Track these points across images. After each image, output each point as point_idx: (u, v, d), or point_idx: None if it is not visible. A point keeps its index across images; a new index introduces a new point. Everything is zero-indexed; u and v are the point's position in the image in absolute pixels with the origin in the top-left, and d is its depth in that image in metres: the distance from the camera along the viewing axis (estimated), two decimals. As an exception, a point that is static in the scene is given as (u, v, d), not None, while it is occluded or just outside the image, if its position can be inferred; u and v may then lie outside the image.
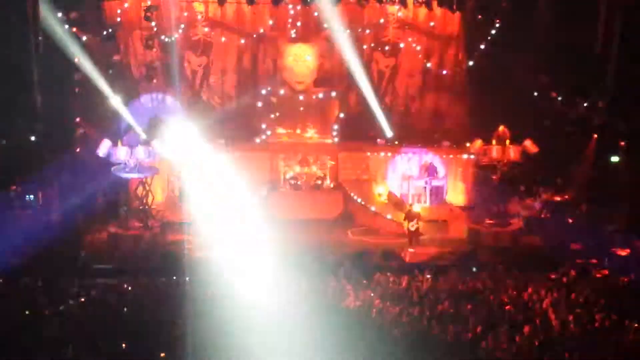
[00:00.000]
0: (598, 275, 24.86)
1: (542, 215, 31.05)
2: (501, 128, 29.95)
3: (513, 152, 29.41)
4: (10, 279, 23.61)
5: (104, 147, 28.22)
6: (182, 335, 19.09)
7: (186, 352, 18.34)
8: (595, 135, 32.58)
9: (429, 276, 24.41)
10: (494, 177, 29.88)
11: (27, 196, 30.76)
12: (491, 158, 29.74)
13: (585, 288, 23.06)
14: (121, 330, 19.74)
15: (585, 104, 33.15)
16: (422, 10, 35.31)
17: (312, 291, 22.83)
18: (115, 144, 28.66)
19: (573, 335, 19.44)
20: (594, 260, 26.17)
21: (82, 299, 22.08)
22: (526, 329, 19.55)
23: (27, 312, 20.84)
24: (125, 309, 21.21)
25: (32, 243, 25.77)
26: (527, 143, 29.33)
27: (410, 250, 28.12)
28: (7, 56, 29.31)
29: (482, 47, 34.67)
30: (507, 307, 21.33)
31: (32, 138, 30.67)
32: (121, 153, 28.55)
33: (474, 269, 25.61)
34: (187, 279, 24.16)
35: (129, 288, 23.20)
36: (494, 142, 29.75)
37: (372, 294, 22.56)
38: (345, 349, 17.74)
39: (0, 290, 22.61)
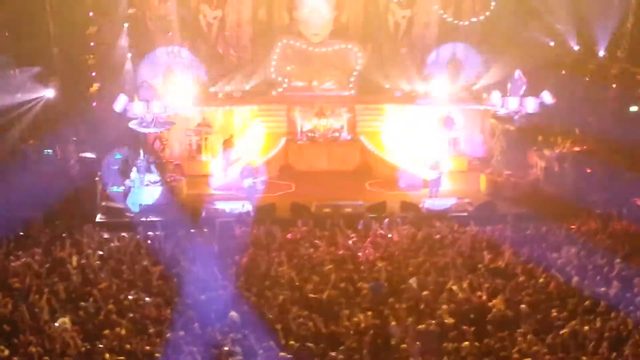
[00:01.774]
0: (617, 225, 24.75)
1: (560, 166, 30.78)
2: (517, 73, 29.76)
3: (530, 104, 29.15)
4: (30, 232, 23.80)
5: (120, 102, 28.13)
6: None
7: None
8: (614, 85, 32.25)
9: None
10: (511, 128, 29.63)
11: (45, 150, 30.85)
12: (508, 109, 29.50)
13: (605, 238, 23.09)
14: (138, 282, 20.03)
15: (603, 54, 32.78)
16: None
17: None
18: (131, 99, 28.60)
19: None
20: (613, 211, 26.01)
21: (101, 252, 22.27)
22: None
23: (47, 265, 21.07)
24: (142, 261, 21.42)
25: (51, 197, 25.92)
26: (545, 94, 29.05)
27: (429, 200, 28.00)
28: (22, 10, 29.22)
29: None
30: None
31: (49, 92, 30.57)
32: (138, 108, 28.48)
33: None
34: (204, 230, 24.31)
35: (148, 241, 23.36)
36: (509, 86, 29.53)
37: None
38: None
39: (22, 245, 22.74)
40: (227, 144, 32.19)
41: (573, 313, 18.03)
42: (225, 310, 18.07)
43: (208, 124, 33.30)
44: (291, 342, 16.57)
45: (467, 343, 16.39)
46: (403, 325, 17.38)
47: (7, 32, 29.79)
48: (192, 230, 24.38)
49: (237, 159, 30.77)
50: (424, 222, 24.95)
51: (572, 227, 24.55)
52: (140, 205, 27.81)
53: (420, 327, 17.14)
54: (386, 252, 22.25)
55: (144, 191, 28.20)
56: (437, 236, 23.61)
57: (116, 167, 28.58)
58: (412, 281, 19.82)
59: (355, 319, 17.66)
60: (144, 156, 28.69)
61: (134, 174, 28.18)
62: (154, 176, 28.61)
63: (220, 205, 27.44)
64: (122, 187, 27.60)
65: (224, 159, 31.46)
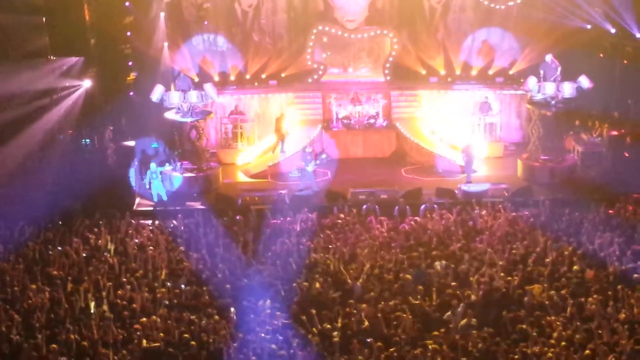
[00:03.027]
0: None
1: (598, 150, 30.49)
2: (548, 57, 29.55)
3: (567, 88, 28.89)
4: (69, 222, 24.07)
5: (157, 92, 28.30)
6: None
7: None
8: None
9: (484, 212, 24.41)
10: (548, 113, 29.40)
11: (83, 140, 31.13)
12: (545, 94, 29.27)
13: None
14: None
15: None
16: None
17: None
18: (168, 88, 28.77)
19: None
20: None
21: (138, 239, 22.49)
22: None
23: (85, 254, 21.33)
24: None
25: (89, 186, 26.18)
26: (582, 78, 28.75)
27: (465, 186, 27.90)
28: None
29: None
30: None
31: (86, 82, 30.78)
32: (174, 97, 28.67)
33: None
34: (237, 217, 24.43)
35: (183, 228, 23.55)
36: (541, 72, 29.37)
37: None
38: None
39: (60, 234, 23.02)
40: (279, 122, 32.42)
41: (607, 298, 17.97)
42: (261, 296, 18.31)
43: (243, 112, 33.39)
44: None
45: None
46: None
47: (44, 18, 29.94)
48: (227, 218, 24.53)
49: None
50: (460, 208, 24.83)
51: (610, 211, 24.33)
52: (170, 193, 28.02)
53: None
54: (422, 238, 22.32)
55: (167, 179, 28.43)
56: (472, 222, 23.53)
57: (153, 155, 28.71)
58: (438, 264, 19.95)
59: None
60: (161, 146, 28.90)
61: (157, 163, 28.37)
62: (176, 165, 28.92)
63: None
64: (154, 176, 27.74)
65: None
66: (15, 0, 28.85)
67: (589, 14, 32.99)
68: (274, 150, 31.93)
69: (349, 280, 19.37)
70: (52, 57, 30.19)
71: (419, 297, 18.43)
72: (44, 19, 29.81)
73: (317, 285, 19.00)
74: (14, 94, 28.30)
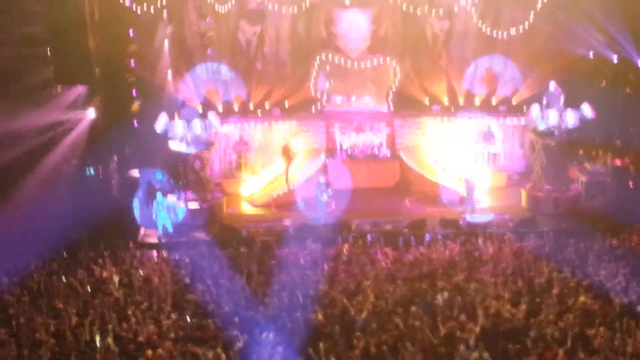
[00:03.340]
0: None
1: (602, 180, 30.50)
2: (552, 85, 29.64)
3: (570, 117, 28.97)
4: (74, 253, 24.08)
5: (161, 122, 28.43)
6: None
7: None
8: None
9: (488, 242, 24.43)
10: (551, 143, 29.46)
11: (87, 169, 31.15)
12: (548, 124, 29.34)
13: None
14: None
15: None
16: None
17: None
18: (172, 118, 28.85)
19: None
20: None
21: (142, 271, 22.49)
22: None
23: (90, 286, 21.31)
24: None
25: (93, 216, 26.19)
26: (585, 107, 28.86)
27: (468, 217, 27.91)
28: (63, 28, 29.58)
29: (539, 6, 33.93)
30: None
31: (91, 112, 30.85)
32: (178, 127, 28.75)
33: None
34: (242, 249, 24.42)
35: (188, 260, 23.55)
36: (544, 100, 29.43)
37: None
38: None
39: (65, 265, 23.02)
40: (286, 152, 32.51)
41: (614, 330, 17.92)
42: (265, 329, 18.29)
43: (247, 141, 33.47)
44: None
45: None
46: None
47: (48, 48, 30.06)
48: (231, 250, 24.52)
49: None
50: (464, 239, 24.83)
51: (615, 242, 24.31)
52: (174, 224, 28.01)
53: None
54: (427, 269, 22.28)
55: (168, 211, 28.36)
56: (476, 253, 23.52)
57: (158, 186, 28.76)
58: (440, 297, 19.90)
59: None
60: (166, 176, 28.98)
61: (161, 194, 28.38)
62: (179, 196, 28.89)
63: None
64: (160, 207, 27.77)
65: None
66: (19, 33, 28.89)
67: (591, 42, 33.11)
68: (287, 176, 31.98)
69: (353, 313, 19.33)
70: (57, 88, 30.26)
71: (423, 328, 18.38)
72: (48, 49, 29.89)
73: (321, 317, 18.98)
74: (20, 130, 28.32)
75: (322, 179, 29.27)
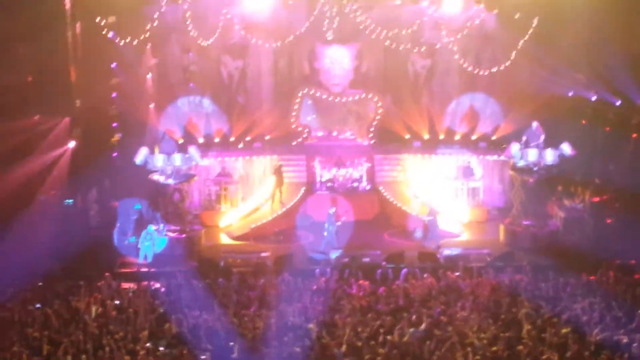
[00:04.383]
0: (637, 276, 24.53)
1: (580, 216, 30.61)
2: (534, 124, 29.84)
3: (550, 155, 29.18)
4: (50, 283, 23.93)
5: (141, 155, 28.44)
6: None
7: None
8: (635, 135, 32.12)
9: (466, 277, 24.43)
10: (530, 180, 29.64)
11: (66, 200, 31.03)
12: (527, 161, 29.54)
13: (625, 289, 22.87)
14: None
15: (623, 103, 32.67)
16: (459, 10, 34.82)
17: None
18: (152, 151, 28.86)
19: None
20: (633, 261, 25.78)
21: (118, 301, 22.34)
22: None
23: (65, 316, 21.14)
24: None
25: (70, 247, 26.05)
26: (564, 145, 29.08)
27: (447, 250, 27.93)
28: (46, 60, 29.56)
29: (519, 46, 34.24)
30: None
31: (71, 143, 30.79)
32: (158, 160, 28.77)
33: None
34: (220, 280, 24.33)
35: (164, 290, 23.43)
36: (524, 138, 29.64)
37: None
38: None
39: (40, 295, 22.85)
40: (278, 172, 32.90)
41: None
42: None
43: (228, 174, 33.48)
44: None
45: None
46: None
47: (31, 79, 30.02)
48: (209, 281, 24.42)
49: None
50: (442, 273, 24.83)
51: (592, 277, 24.35)
52: (153, 255, 27.92)
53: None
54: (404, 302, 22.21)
55: (153, 242, 28.29)
56: (453, 287, 23.49)
57: (135, 217, 28.70)
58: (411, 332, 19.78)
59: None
60: (147, 207, 28.94)
61: (143, 225, 28.34)
62: (159, 227, 28.85)
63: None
64: (148, 237, 27.75)
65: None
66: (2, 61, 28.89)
67: (570, 81, 33.44)
68: (273, 199, 32.45)
69: (333, 345, 19.22)
70: (37, 118, 30.21)
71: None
72: (29, 78, 29.87)
73: (299, 349, 18.88)
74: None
75: (331, 210, 29.36)
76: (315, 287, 23.82)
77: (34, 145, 29.59)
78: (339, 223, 29.07)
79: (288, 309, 21.55)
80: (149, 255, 27.70)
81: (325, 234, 28.97)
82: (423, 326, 19.97)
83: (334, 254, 27.75)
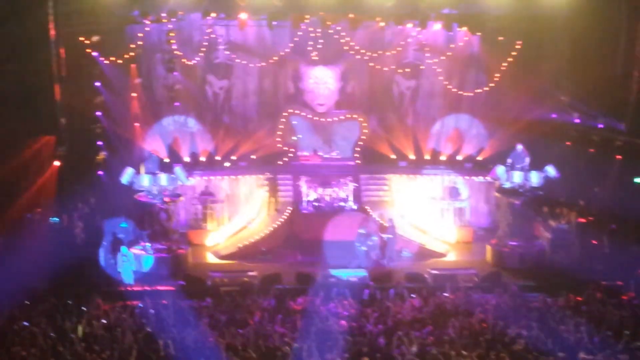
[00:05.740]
0: (624, 298, 24.62)
1: (566, 237, 30.72)
2: (519, 147, 29.99)
3: (535, 177, 29.37)
4: (37, 301, 23.74)
5: (127, 175, 28.37)
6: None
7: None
8: (619, 157, 32.31)
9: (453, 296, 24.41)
10: (516, 202, 29.79)
11: (52, 218, 30.88)
12: (513, 183, 29.69)
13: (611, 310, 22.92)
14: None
15: (607, 126, 32.87)
16: (443, 32, 35.01)
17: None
18: (137, 170, 28.77)
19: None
20: (620, 283, 25.88)
21: (105, 321, 22.19)
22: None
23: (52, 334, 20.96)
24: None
25: (56, 265, 25.87)
26: (549, 168, 29.28)
27: (433, 271, 27.93)
28: (30, 80, 29.45)
29: (503, 68, 34.47)
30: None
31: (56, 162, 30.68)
32: (144, 180, 28.70)
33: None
34: (207, 299, 24.21)
35: (151, 310, 23.28)
36: (509, 161, 29.81)
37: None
38: None
39: (26, 313, 22.66)
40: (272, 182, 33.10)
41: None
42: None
43: (213, 193, 33.42)
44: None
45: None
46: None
47: (14, 99, 29.86)
48: (195, 300, 24.30)
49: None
50: (429, 292, 24.81)
51: (578, 298, 24.42)
52: (136, 274, 27.79)
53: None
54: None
55: (136, 260, 28.23)
56: (440, 307, 23.47)
57: (122, 236, 28.58)
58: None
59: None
60: (133, 226, 28.85)
61: (126, 244, 28.25)
62: (142, 246, 28.86)
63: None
64: (124, 258, 27.64)
65: None
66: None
67: (554, 103, 33.68)
68: (275, 208, 32.63)
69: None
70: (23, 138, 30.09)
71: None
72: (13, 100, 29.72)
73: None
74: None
75: (362, 230, 29.51)
76: (296, 305, 23.78)
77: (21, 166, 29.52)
78: (370, 243, 29.55)
79: (272, 328, 21.45)
80: (129, 276, 27.53)
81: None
82: (414, 348, 19.97)
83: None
